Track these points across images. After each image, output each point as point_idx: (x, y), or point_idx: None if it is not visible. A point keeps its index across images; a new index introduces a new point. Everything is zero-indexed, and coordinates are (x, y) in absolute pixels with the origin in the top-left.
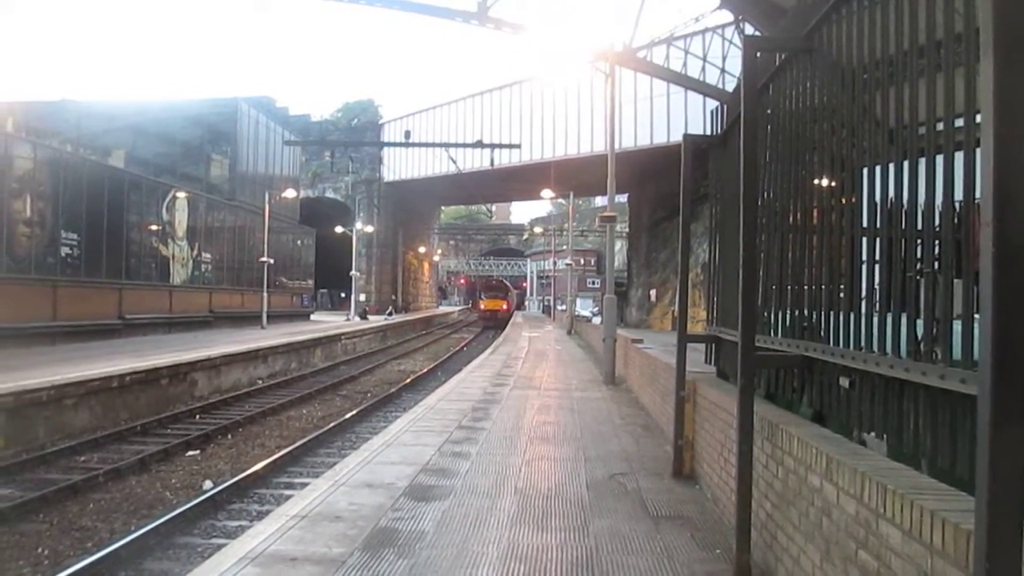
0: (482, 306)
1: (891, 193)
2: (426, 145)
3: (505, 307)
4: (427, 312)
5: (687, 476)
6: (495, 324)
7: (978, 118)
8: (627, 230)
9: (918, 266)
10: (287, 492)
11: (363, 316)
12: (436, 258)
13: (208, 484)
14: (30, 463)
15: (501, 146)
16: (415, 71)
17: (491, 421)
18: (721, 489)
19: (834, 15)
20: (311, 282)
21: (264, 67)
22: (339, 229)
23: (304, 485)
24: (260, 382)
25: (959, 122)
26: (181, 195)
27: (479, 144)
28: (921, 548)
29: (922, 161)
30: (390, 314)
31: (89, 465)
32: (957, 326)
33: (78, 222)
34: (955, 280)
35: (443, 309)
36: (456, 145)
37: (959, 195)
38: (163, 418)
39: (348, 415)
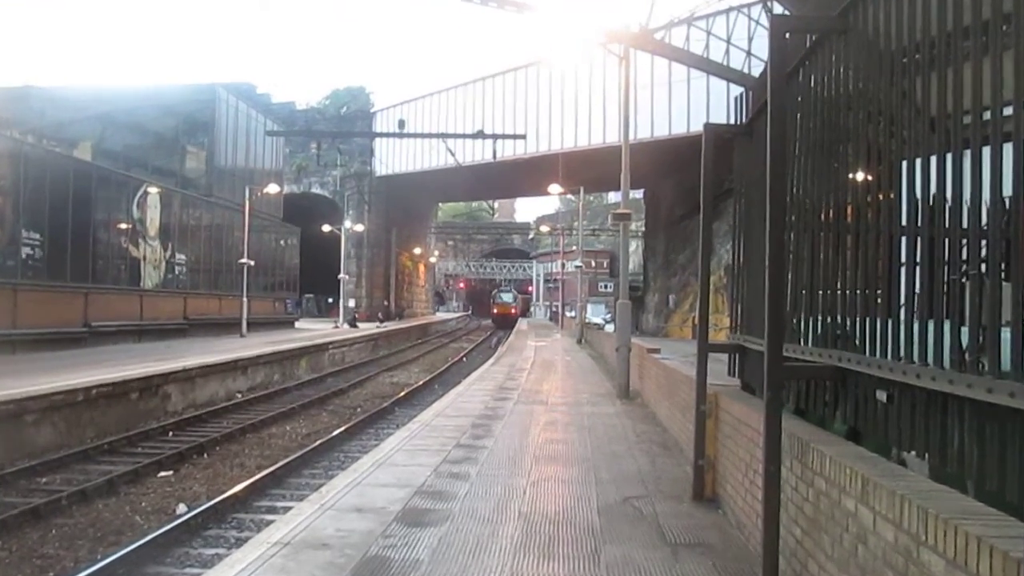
0: (495, 310)
1: (933, 188)
2: (422, 136)
3: (513, 311)
4: (423, 319)
5: (708, 499)
6: (506, 325)
7: None
8: (643, 229)
9: (963, 268)
10: (269, 517)
11: (352, 323)
12: (433, 260)
13: (182, 508)
14: None
15: (504, 136)
16: (410, 55)
17: (493, 439)
18: (746, 513)
19: None
20: (295, 286)
21: (245, 51)
22: (326, 228)
23: (287, 509)
24: (239, 396)
25: (1008, 110)
26: (153, 190)
27: (480, 134)
28: None
29: (967, 152)
30: (382, 321)
31: (52, 487)
32: (1006, 334)
33: (41, 220)
34: (1004, 283)
35: (440, 316)
36: (455, 136)
37: (1008, 190)
38: (133, 435)
39: (336, 432)
